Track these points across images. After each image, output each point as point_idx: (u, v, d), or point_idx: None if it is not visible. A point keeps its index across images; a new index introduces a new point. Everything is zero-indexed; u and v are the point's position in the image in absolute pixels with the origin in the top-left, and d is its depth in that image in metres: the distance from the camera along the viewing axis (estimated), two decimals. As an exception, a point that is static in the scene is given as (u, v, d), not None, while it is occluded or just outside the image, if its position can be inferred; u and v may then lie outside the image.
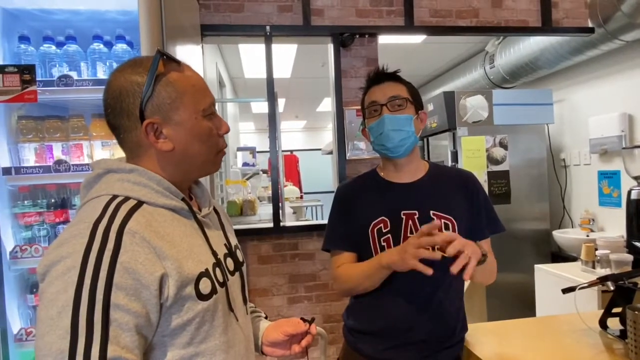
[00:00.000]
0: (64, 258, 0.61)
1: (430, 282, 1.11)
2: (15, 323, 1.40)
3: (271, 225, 2.56)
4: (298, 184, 7.39)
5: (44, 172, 1.35)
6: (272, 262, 2.53)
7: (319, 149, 8.24)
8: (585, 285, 1.26)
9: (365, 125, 1.22)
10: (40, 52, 1.41)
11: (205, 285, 0.71)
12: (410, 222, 1.13)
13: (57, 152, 1.41)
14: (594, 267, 2.20)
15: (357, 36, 2.55)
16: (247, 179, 3.89)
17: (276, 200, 2.55)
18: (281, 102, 6.49)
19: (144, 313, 0.62)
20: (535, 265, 2.59)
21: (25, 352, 1.38)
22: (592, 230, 2.97)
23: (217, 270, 0.76)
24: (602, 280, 1.25)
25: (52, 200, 1.44)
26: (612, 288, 1.22)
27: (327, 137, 8.87)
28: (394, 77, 1.19)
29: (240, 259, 0.89)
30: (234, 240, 0.90)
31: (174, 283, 0.66)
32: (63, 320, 0.57)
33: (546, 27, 2.71)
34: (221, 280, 0.76)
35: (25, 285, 1.45)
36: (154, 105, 0.71)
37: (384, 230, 1.14)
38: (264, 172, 4.78)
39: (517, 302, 2.93)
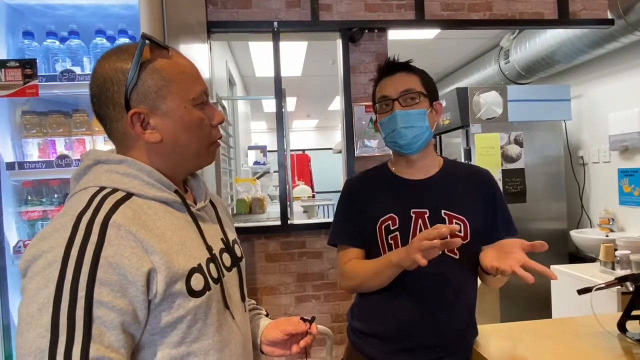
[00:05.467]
0: (45, 252, 0.58)
1: (440, 286, 1.07)
2: (19, 318, 1.40)
3: (279, 223, 2.54)
4: (310, 183, 7.37)
5: (47, 167, 1.35)
6: (279, 260, 2.51)
7: (331, 148, 8.20)
8: (602, 285, 1.19)
9: (377, 119, 1.17)
10: (44, 47, 1.42)
11: (197, 282, 0.68)
12: (420, 220, 1.08)
13: (60, 147, 1.41)
14: (613, 268, 2.12)
15: (366, 31, 2.51)
16: (258, 178, 3.88)
17: (284, 198, 2.52)
18: (293, 101, 6.48)
19: (131, 310, 0.60)
20: (552, 266, 2.50)
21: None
22: (611, 230, 2.87)
23: (212, 265, 0.73)
24: (621, 280, 1.18)
25: (56, 196, 1.44)
26: (631, 289, 1.16)
27: (338, 136, 8.78)
28: (406, 67, 1.13)
29: (239, 255, 0.86)
30: (232, 235, 0.86)
31: (163, 279, 0.63)
32: (43, 318, 0.55)
33: (563, 19, 2.61)
34: (215, 276, 0.73)
35: (29, 281, 1.45)
36: (139, 94, 0.68)
37: (391, 228, 1.09)
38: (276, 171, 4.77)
39: (532, 303, 2.84)
